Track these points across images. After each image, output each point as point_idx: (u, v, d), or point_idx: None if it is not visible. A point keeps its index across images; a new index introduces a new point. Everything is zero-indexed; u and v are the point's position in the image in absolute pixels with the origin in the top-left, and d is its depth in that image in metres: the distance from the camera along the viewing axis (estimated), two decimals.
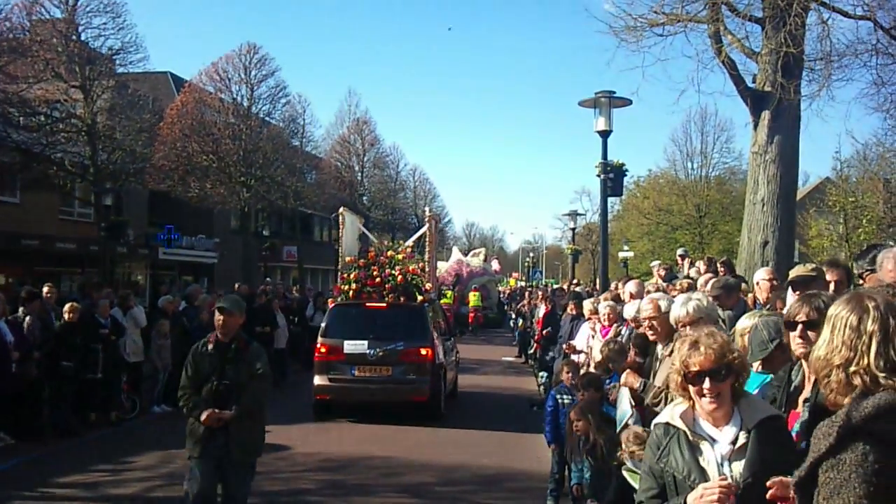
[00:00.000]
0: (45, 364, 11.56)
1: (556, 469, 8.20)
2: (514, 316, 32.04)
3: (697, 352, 3.11)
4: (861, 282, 5.63)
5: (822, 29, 13.13)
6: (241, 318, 6.43)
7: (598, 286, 17.27)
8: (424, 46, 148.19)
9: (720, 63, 13.47)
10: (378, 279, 13.94)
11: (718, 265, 11.44)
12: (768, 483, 2.70)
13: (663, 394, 4.81)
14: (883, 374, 2.38)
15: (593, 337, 9.57)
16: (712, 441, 3.08)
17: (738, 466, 2.99)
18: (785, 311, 3.97)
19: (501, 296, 46.29)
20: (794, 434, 3.30)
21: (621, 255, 39.02)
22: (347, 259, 14.83)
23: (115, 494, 8.66)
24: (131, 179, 26.50)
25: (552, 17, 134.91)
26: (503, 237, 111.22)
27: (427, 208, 27.62)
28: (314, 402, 13.57)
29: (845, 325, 2.49)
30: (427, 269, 14.85)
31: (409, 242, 16.56)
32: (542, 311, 17.47)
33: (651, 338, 5.79)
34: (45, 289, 13.20)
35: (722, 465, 3.02)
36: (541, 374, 16.09)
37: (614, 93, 13.25)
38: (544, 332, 15.79)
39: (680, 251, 16.51)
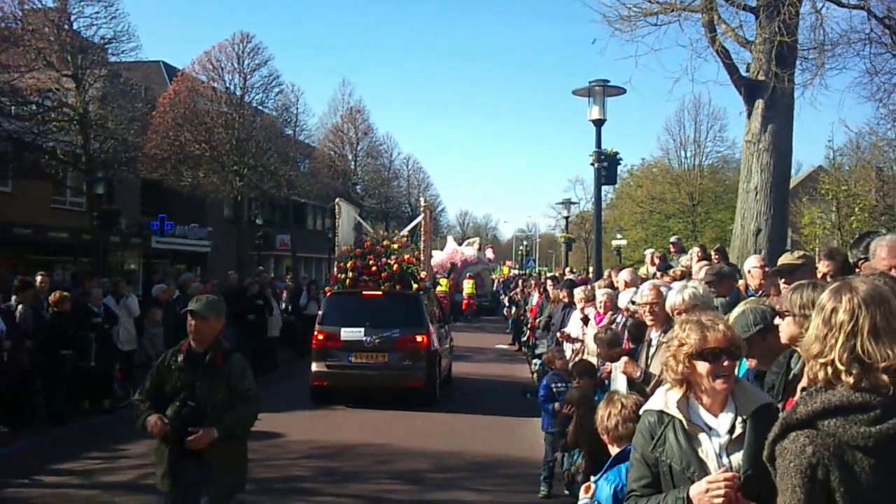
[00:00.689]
0: (41, 353, 11.56)
1: (549, 455, 8.25)
2: (507, 304, 32.13)
3: (715, 329, 3.03)
4: (857, 270, 5.65)
5: (815, 18, 13.16)
6: (220, 323, 5.31)
7: (591, 274, 17.29)
8: (418, 36, 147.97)
9: (714, 52, 13.46)
10: (374, 268, 14.07)
11: (712, 252, 11.47)
12: None
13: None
14: (844, 369, 2.33)
15: (587, 325, 9.60)
16: (709, 430, 3.01)
17: (737, 458, 2.94)
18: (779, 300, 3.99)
19: (495, 284, 46.53)
20: None
21: (615, 243, 39.08)
22: (344, 248, 14.94)
23: (108, 482, 8.67)
24: (123, 168, 26.36)
25: (546, 5, 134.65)
26: (497, 226, 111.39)
27: (422, 198, 27.70)
28: (311, 388, 13.71)
29: (819, 318, 2.45)
30: (422, 258, 14.97)
31: (405, 232, 16.64)
32: (535, 298, 17.51)
33: (650, 323, 5.81)
34: (39, 278, 13.18)
35: (720, 456, 2.95)
36: (534, 361, 16.13)
37: (608, 82, 13.24)
38: (538, 321, 15.83)
39: (673, 239, 16.54)
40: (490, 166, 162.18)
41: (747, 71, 13.61)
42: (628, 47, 13.58)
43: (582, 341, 9.56)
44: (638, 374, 5.56)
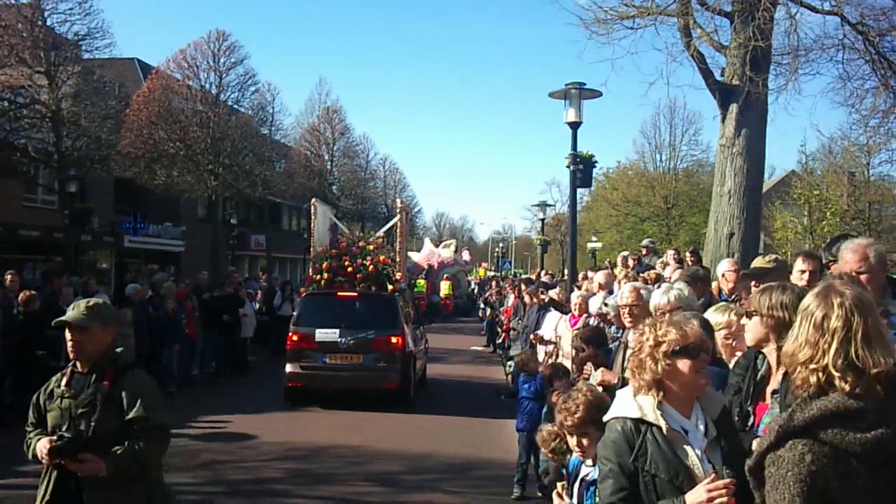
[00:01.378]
0: (11, 352, 11.38)
1: (523, 457, 8.27)
2: (482, 305, 32.18)
3: (691, 325, 3.01)
4: (828, 272, 5.70)
5: (789, 23, 13.24)
6: (108, 333, 4.20)
7: (565, 276, 17.32)
8: (396, 37, 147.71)
9: (689, 56, 13.53)
10: (350, 269, 14.03)
11: (687, 255, 11.53)
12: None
13: None
14: (838, 375, 2.32)
15: (561, 327, 9.62)
16: (685, 434, 2.93)
17: (716, 459, 2.91)
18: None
19: (471, 285, 46.71)
20: (763, 427, 3.22)
21: (590, 245, 39.29)
22: (319, 249, 14.91)
23: None
24: (96, 166, 26.09)
25: (523, 7, 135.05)
26: (473, 227, 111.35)
27: (398, 199, 27.64)
28: (285, 389, 13.62)
29: (810, 323, 2.44)
30: (398, 259, 14.95)
31: (381, 233, 16.61)
32: (510, 300, 17.51)
33: (628, 325, 5.82)
34: (8, 277, 12.99)
35: (702, 461, 2.88)
36: (509, 363, 16.16)
37: (584, 84, 13.28)
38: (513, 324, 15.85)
39: (645, 241, 16.58)
40: (466, 168, 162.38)
41: (722, 75, 13.71)
42: (605, 50, 13.66)
43: (555, 343, 9.58)
44: (615, 380, 5.56)
